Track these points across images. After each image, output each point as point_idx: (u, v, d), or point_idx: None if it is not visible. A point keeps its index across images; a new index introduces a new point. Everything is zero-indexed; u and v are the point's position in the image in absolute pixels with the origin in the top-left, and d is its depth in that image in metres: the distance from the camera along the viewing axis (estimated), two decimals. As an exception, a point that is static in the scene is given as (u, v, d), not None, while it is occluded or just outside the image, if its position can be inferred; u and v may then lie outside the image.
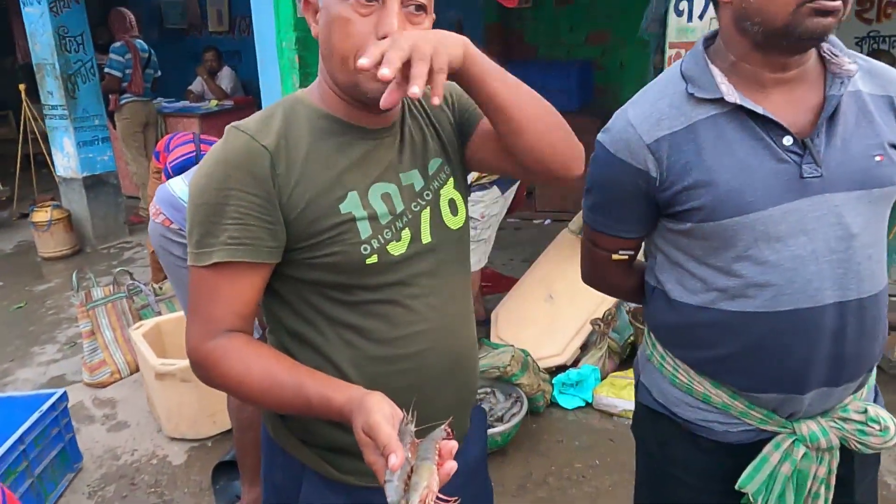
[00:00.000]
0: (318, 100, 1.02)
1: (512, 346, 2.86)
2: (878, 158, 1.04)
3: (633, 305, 3.22)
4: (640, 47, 5.22)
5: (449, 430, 0.87)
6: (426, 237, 1.03)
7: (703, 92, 1.05)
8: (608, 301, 3.16)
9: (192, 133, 3.33)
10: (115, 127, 5.61)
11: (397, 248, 1.00)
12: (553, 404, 2.90)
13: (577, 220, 3.43)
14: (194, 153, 3.17)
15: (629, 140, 1.08)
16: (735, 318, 1.07)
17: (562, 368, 3.05)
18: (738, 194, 1.02)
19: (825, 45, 1.06)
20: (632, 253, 1.22)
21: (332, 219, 0.96)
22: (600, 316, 3.09)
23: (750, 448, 1.13)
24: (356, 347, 1.02)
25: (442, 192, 1.07)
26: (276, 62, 3.95)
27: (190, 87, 6.55)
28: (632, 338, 3.14)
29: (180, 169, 3.23)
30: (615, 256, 1.22)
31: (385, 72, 0.79)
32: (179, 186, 2.21)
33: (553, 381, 2.92)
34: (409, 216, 1.02)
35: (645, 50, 4.70)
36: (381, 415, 0.82)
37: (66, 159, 5.20)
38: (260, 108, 3.98)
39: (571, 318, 3.18)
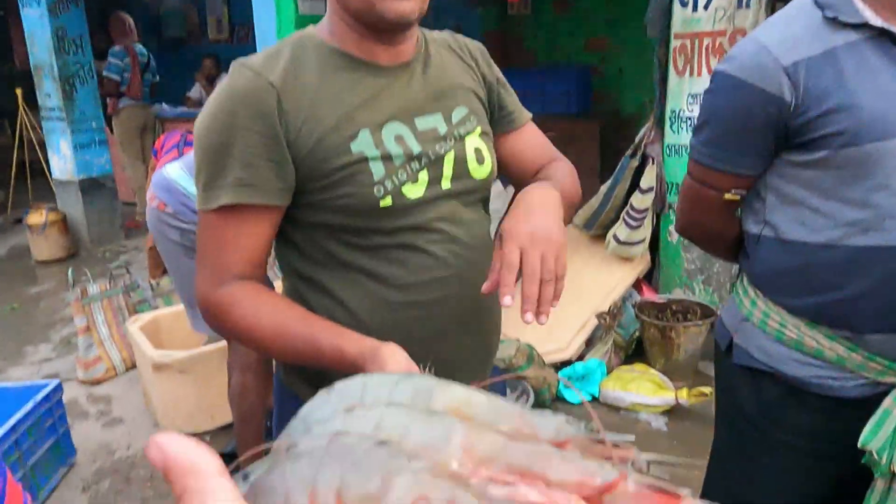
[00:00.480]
0: (327, 35, 0.98)
1: (517, 339, 2.81)
2: None
3: (638, 299, 3.18)
4: (638, 54, 5.24)
5: None
6: (446, 183, 1.00)
7: (846, 16, 1.02)
8: (613, 295, 3.12)
9: (179, 134, 3.29)
10: (112, 131, 5.58)
11: (413, 191, 0.97)
12: (559, 398, 2.85)
13: (583, 214, 3.40)
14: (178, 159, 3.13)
15: (763, 64, 1.03)
16: (865, 254, 1.02)
17: (567, 363, 3.00)
18: (882, 119, 0.98)
19: None
20: (744, 193, 1.16)
21: (343, 158, 0.92)
22: (605, 310, 3.05)
23: (865, 403, 1.06)
24: (372, 293, 0.98)
25: (468, 139, 1.03)
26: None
27: (188, 94, 6.54)
28: (637, 333, 3.09)
29: None
30: (728, 196, 1.15)
31: (507, 301, 0.86)
32: (174, 170, 2.21)
33: (559, 375, 2.87)
34: (430, 158, 0.98)
35: (643, 57, 4.71)
36: (396, 367, 0.79)
37: (62, 162, 5.16)
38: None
39: (576, 313, 3.13)
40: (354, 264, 0.98)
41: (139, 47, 5.56)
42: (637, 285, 3.26)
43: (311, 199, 0.95)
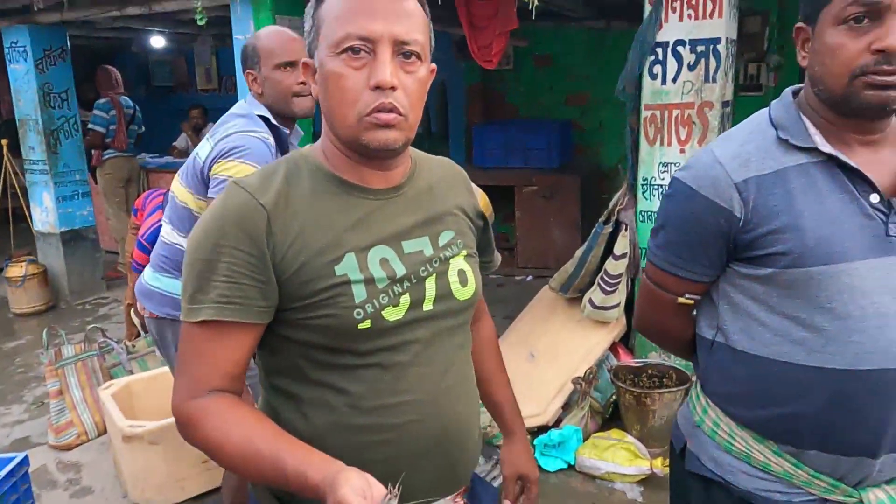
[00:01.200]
0: (322, 157, 1.02)
1: (492, 406, 2.80)
2: None
3: (614, 363, 3.18)
4: (618, 108, 5.33)
5: (459, 498, 0.87)
6: (428, 305, 1.01)
7: (797, 140, 1.05)
8: (589, 359, 3.13)
9: (163, 194, 3.31)
10: (96, 182, 5.59)
11: (393, 314, 0.98)
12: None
13: (558, 278, 3.43)
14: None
15: (715, 177, 1.06)
16: (809, 374, 1.03)
17: (543, 429, 2.99)
18: (826, 243, 1.00)
19: None
20: (697, 298, 1.18)
21: (327, 280, 0.94)
22: (582, 375, 3.05)
23: None
24: (338, 412, 0.98)
25: (452, 261, 1.05)
26: (258, 120, 3.98)
27: (174, 144, 6.58)
28: (614, 397, 3.09)
29: (153, 239, 3.17)
30: (681, 300, 1.18)
31: None
32: (149, 275, 2.11)
33: (535, 443, 2.85)
34: (412, 281, 1.00)
35: (622, 111, 4.82)
36: (348, 487, 0.79)
37: (44, 214, 5.15)
38: (240, 165, 3.75)
39: (553, 377, 3.13)
40: (323, 381, 0.99)
41: (125, 99, 5.62)
42: (613, 349, 3.27)
43: (292, 317, 0.96)
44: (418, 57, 0.94)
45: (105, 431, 3.13)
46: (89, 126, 5.36)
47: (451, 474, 1.08)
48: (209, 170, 1.86)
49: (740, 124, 1.15)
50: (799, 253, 1.01)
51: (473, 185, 1.21)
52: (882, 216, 1.01)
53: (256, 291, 0.93)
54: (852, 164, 1.02)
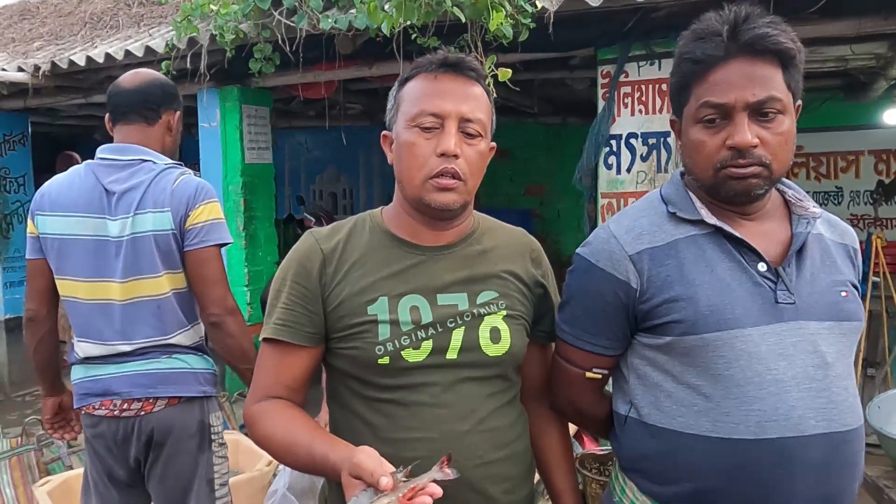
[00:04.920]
0: (386, 217, 1.19)
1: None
2: (843, 294, 1.08)
3: (579, 451, 3.12)
4: (575, 199, 5.53)
5: (445, 466, 0.93)
6: (452, 353, 1.10)
7: (684, 213, 1.10)
8: (554, 447, 3.06)
9: None
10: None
11: (413, 356, 1.09)
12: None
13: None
14: None
15: (611, 251, 1.10)
16: (718, 446, 1.02)
17: (509, 522, 2.87)
18: (718, 310, 1.03)
19: (789, 191, 1.14)
20: (605, 373, 1.19)
21: (359, 317, 1.10)
22: (547, 464, 2.97)
23: None
24: (362, 438, 1.08)
25: (488, 318, 1.13)
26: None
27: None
28: (580, 486, 3.01)
29: None
30: (589, 374, 1.18)
31: None
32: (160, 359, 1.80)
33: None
34: (438, 330, 1.10)
35: (579, 201, 4.98)
36: (364, 454, 0.94)
37: (-11, 300, 4.96)
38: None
39: (517, 467, 3.04)
40: (353, 408, 1.13)
41: (84, 185, 5.57)
42: (578, 436, 3.21)
43: (331, 346, 1.14)
44: (479, 133, 1.11)
45: (37, 534, 2.88)
46: (45, 211, 5.27)
47: None
48: (184, 224, 1.70)
49: (635, 203, 1.22)
50: (693, 321, 1.04)
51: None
52: (770, 284, 1.05)
53: (307, 319, 1.12)
54: (737, 234, 1.07)
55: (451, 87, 1.10)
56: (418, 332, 1.09)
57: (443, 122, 1.08)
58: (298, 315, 1.12)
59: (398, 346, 1.08)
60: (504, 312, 1.14)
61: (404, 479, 0.91)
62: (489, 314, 1.13)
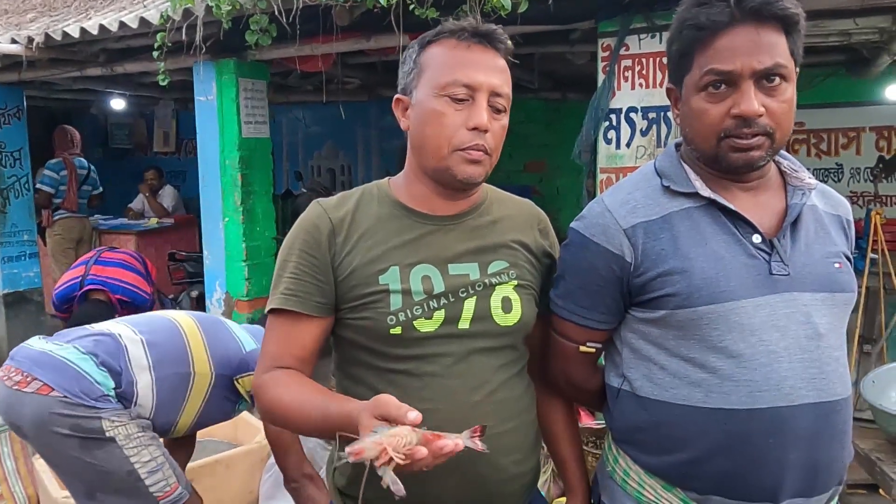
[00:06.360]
0: (395, 188, 1.18)
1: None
2: (837, 265, 1.08)
3: (576, 426, 3.14)
4: (574, 175, 5.51)
5: (478, 437, 0.92)
6: (464, 323, 1.10)
7: (678, 186, 1.10)
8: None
9: (95, 251, 3.22)
10: (45, 243, 5.44)
11: (425, 326, 1.08)
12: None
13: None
14: (79, 279, 3.02)
15: (606, 224, 1.10)
16: (707, 416, 1.04)
17: (505, 495, 2.90)
18: (713, 282, 1.03)
19: (784, 162, 1.13)
20: (599, 346, 1.20)
21: (370, 287, 1.09)
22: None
23: None
24: None
25: (499, 287, 1.13)
26: (218, 179, 3.97)
27: (130, 205, 6.48)
28: (576, 460, 3.04)
29: (63, 298, 3.02)
30: (583, 348, 1.19)
31: None
32: (68, 351, 1.82)
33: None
34: (450, 300, 1.09)
35: (579, 177, 4.96)
36: (386, 395, 0.91)
37: (-13, 275, 4.96)
38: (199, 225, 3.91)
39: (514, 441, 3.06)
40: (363, 379, 1.13)
41: (79, 160, 5.54)
42: (575, 410, 3.24)
43: (342, 316, 1.13)
44: (504, 108, 1.10)
45: (38, 505, 2.92)
46: (38, 185, 5.26)
47: (479, 489, 1.11)
48: None
49: (629, 176, 1.22)
50: (687, 294, 1.04)
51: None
52: (765, 256, 1.05)
53: (315, 288, 1.11)
54: (731, 206, 1.07)
55: (483, 59, 1.09)
56: (430, 302, 1.08)
57: (474, 94, 1.07)
58: (307, 284, 1.11)
59: (410, 315, 1.08)
60: (515, 282, 1.15)
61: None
62: (500, 284, 1.13)
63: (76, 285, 3.03)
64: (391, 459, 0.81)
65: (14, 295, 4.98)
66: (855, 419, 1.14)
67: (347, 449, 0.82)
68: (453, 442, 0.87)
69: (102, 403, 1.78)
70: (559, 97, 5.57)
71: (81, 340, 1.87)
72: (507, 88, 1.10)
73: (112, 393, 1.82)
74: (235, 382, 2.03)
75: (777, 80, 1.01)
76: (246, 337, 2.10)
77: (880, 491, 2.60)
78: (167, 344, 1.94)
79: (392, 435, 0.82)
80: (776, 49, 1.00)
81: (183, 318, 2.06)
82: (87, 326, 2.00)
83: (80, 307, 3.10)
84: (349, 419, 0.95)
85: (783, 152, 1.13)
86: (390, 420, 0.87)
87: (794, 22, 1.02)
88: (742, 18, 1.00)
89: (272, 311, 1.13)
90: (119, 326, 1.96)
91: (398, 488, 0.82)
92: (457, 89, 1.06)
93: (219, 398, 2.01)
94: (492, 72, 1.08)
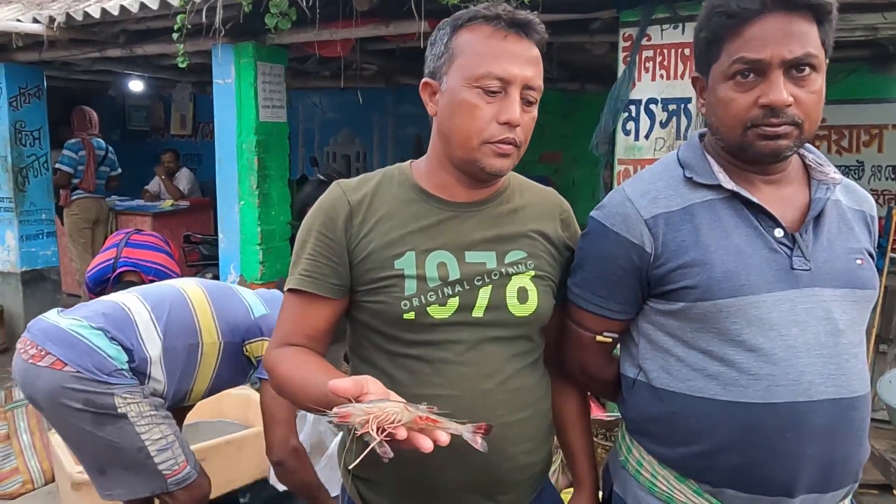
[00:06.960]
0: (416, 172, 1.17)
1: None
2: (858, 262, 1.07)
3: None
4: (590, 167, 5.47)
5: (480, 434, 0.92)
6: (478, 312, 1.10)
7: (701, 177, 1.09)
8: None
9: (124, 232, 3.23)
10: (62, 223, 5.49)
11: (438, 312, 1.08)
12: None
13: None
14: (111, 261, 3.04)
15: (626, 214, 1.09)
16: (724, 409, 1.03)
17: (514, 484, 2.91)
18: (733, 276, 1.02)
19: (809, 155, 1.12)
20: (616, 336, 1.19)
21: (386, 271, 1.09)
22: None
23: None
24: None
25: (515, 277, 1.12)
26: (234, 162, 3.98)
27: (146, 187, 6.52)
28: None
29: (96, 280, 3.05)
30: (599, 338, 1.18)
31: None
32: (78, 324, 1.85)
33: None
34: (465, 287, 1.09)
35: (595, 169, 4.93)
36: (369, 375, 0.92)
37: (5, 252, 5.01)
38: (215, 208, 3.93)
39: (524, 430, 3.07)
40: (376, 362, 1.13)
41: (97, 140, 5.57)
42: (585, 402, 3.23)
43: (357, 299, 1.13)
44: (536, 101, 1.08)
45: (53, 480, 2.96)
46: (56, 165, 5.30)
47: (487, 476, 1.11)
48: None
49: (651, 165, 1.20)
50: (707, 286, 1.03)
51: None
52: (786, 250, 1.04)
53: (331, 270, 1.11)
54: (754, 199, 1.05)
55: (519, 50, 1.06)
56: (445, 289, 1.08)
57: (507, 87, 1.05)
58: (322, 266, 1.11)
59: (424, 301, 1.07)
60: (532, 273, 1.14)
61: (430, 412, 0.87)
62: (517, 274, 1.12)
63: (108, 267, 3.06)
64: (379, 430, 0.81)
65: (31, 273, 5.03)
66: (870, 419, 1.12)
67: (335, 409, 0.83)
68: (436, 435, 0.85)
69: (116, 378, 1.81)
70: (577, 88, 5.53)
71: (93, 316, 1.89)
72: (539, 80, 1.08)
73: (126, 367, 1.84)
74: (243, 349, 2.04)
75: (807, 70, 1.00)
76: (256, 303, 2.10)
77: (894, 492, 2.58)
78: (175, 315, 1.95)
79: (383, 408, 0.82)
80: (807, 38, 0.99)
81: (191, 288, 2.07)
82: (98, 299, 2.03)
83: (113, 288, 3.13)
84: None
85: (809, 145, 1.11)
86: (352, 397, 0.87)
87: (827, 11, 1.00)
88: (773, 7, 0.99)
89: (289, 290, 1.14)
90: (128, 297, 1.99)
91: (384, 450, 0.82)
92: (490, 82, 1.04)
93: (230, 365, 2.04)
94: (526, 64, 1.06)
